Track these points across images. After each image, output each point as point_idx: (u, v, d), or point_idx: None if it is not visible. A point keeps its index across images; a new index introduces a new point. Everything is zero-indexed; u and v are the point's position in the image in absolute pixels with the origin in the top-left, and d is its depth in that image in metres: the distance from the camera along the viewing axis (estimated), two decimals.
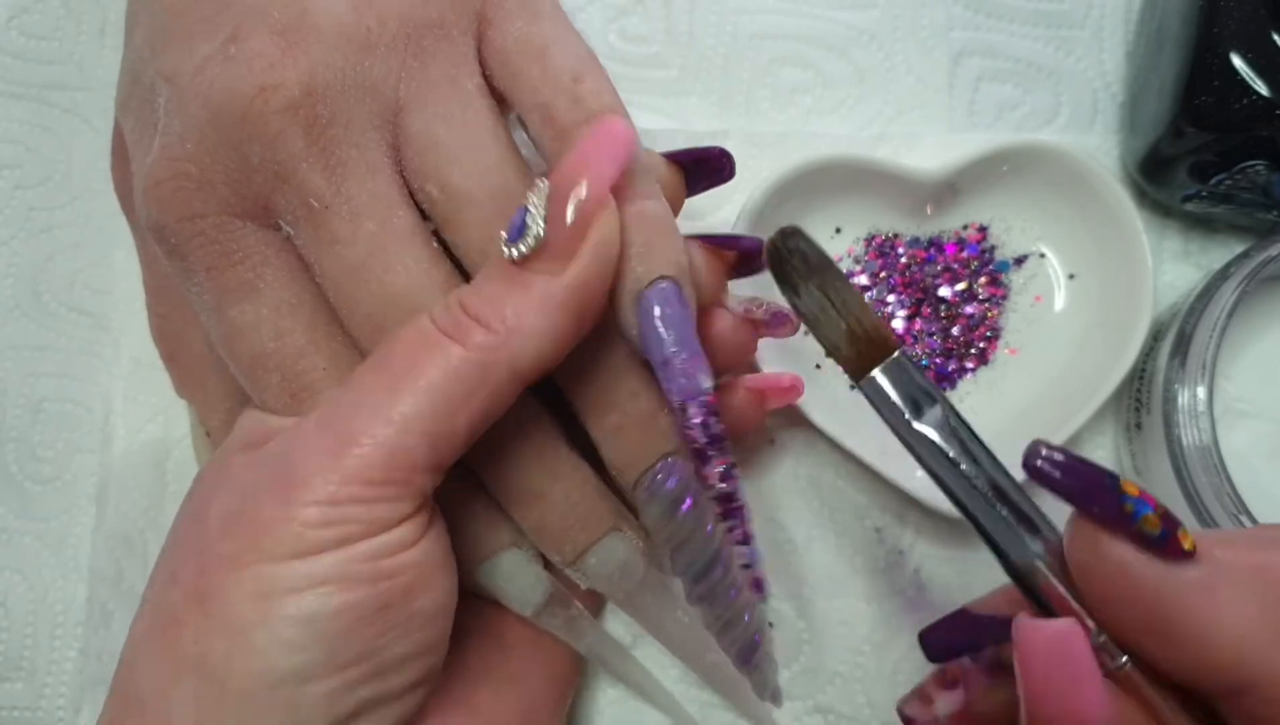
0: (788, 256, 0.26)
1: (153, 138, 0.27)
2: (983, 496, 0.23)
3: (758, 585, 0.28)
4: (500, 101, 0.28)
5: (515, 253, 0.25)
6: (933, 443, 0.24)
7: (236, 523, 0.25)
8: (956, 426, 0.24)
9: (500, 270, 0.26)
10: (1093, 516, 0.21)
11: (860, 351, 0.25)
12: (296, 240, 0.27)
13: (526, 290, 0.25)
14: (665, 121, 0.37)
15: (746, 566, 0.28)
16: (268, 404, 0.28)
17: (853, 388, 0.24)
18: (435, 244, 0.28)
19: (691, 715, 0.35)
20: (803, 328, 0.28)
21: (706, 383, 0.26)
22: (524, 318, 0.25)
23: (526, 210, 0.25)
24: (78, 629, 0.36)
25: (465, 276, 0.28)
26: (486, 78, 0.28)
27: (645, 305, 0.26)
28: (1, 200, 0.37)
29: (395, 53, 0.26)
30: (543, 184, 0.25)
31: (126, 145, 0.29)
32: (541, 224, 0.25)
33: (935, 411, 0.24)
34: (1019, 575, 0.23)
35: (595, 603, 0.34)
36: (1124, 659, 0.22)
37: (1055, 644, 0.21)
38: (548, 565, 0.31)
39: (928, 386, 0.24)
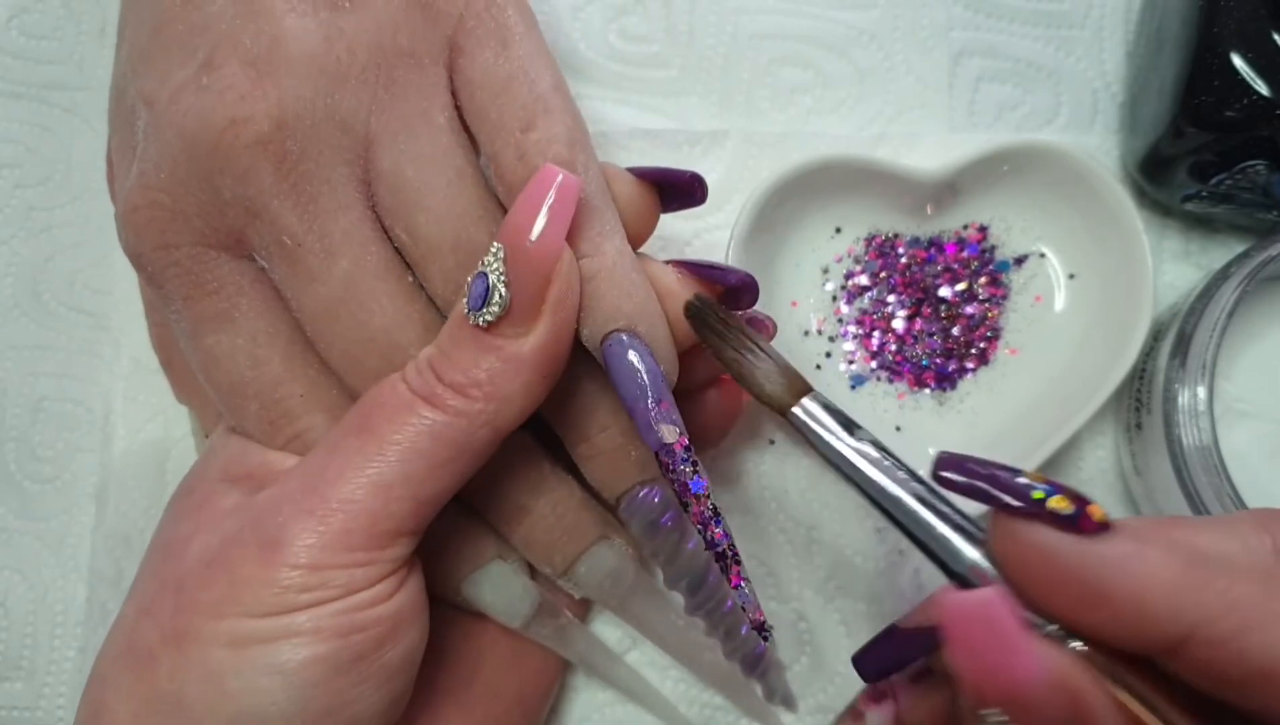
0: (707, 314, 0.27)
1: (132, 161, 0.27)
2: (916, 511, 0.24)
3: (759, 627, 0.27)
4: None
5: (481, 321, 0.25)
6: (867, 460, 0.24)
7: (217, 572, 0.25)
8: (883, 447, 0.25)
9: (467, 334, 0.26)
10: (1006, 509, 0.22)
11: (789, 384, 0.26)
12: (272, 274, 0.27)
13: (497, 354, 0.25)
14: (665, 121, 0.37)
15: (743, 609, 0.27)
16: (246, 430, 0.28)
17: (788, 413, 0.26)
18: (410, 278, 0.28)
19: (688, 718, 0.35)
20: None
21: (667, 437, 0.26)
22: (500, 384, 0.25)
23: (486, 276, 0.25)
24: (77, 629, 0.36)
25: (440, 310, 0.28)
26: (458, 108, 0.28)
27: (606, 360, 0.27)
28: (1, 200, 0.37)
29: (366, 85, 0.26)
30: (498, 246, 0.25)
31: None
32: (504, 291, 0.25)
33: (863, 434, 0.25)
34: (962, 581, 0.23)
35: (583, 609, 0.34)
36: (1077, 643, 0.22)
37: (978, 612, 0.21)
38: (534, 575, 0.31)
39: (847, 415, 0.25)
